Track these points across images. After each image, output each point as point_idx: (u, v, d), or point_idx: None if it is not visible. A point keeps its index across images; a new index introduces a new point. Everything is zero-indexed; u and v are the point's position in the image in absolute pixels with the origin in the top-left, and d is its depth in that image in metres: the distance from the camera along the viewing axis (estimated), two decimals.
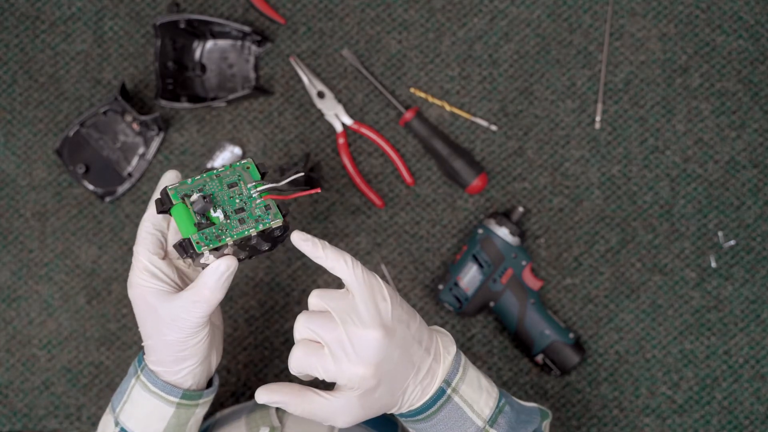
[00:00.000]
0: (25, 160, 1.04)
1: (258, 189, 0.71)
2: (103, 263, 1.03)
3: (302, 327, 0.67)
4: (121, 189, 1.03)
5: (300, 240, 0.69)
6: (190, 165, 1.04)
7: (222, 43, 1.04)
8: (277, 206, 0.71)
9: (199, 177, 0.70)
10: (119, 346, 1.03)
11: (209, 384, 0.80)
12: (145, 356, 0.76)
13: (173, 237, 0.75)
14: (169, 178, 0.74)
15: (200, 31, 1.02)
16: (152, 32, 1.04)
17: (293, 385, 0.69)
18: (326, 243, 0.69)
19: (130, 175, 1.03)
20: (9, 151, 1.04)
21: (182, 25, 0.99)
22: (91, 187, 1.03)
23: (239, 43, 1.04)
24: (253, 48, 1.04)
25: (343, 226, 1.04)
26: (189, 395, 0.76)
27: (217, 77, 1.05)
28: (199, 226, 0.68)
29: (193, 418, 0.78)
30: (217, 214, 0.69)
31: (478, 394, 0.70)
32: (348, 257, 0.68)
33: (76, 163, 1.02)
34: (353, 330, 0.66)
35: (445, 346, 0.70)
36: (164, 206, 0.69)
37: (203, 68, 1.04)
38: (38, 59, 1.05)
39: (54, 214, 1.04)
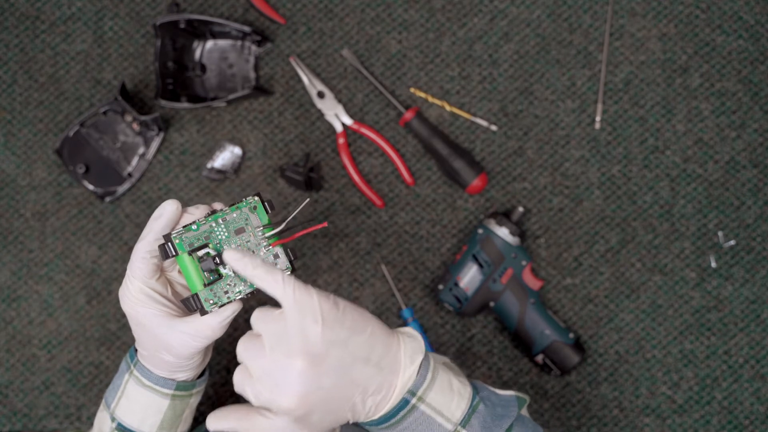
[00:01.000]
0: (25, 160, 1.04)
1: (267, 235, 0.69)
2: (103, 263, 1.03)
3: (240, 351, 0.65)
4: (121, 189, 1.03)
5: (233, 260, 0.66)
6: (190, 165, 1.04)
7: (222, 43, 1.04)
8: (286, 254, 0.70)
9: (204, 222, 0.68)
10: (119, 346, 1.03)
11: (202, 373, 0.81)
12: (139, 357, 0.76)
13: (171, 263, 0.74)
14: (170, 212, 0.70)
15: (200, 31, 1.02)
16: (152, 32, 1.04)
17: (238, 408, 0.67)
18: (258, 262, 0.65)
19: (130, 175, 1.03)
20: (9, 151, 1.04)
21: (182, 25, 0.99)
22: (91, 187, 1.03)
23: (239, 43, 1.04)
24: (253, 48, 1.04)
25: (343, 226, 1.04)
26: (183, 386, 0.77)
27: (217, 77, 1.05)
28: (207, 281, 0.68)
29: (188, 409, 0.79)
30: (226, 270, 0.68)
31: (448, 398, 0.67)
32: (280, 275, 0.64)
33: (76, 163, 1.02)
34: (279, 359, 0.63)
35: (409, 354, 0.67)
36: (169, 254, 0.68)
37: (203, 68, 1.04)
38: (38, 59, 1.05)
39: (54, 214, 1.04)
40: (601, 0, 1.05)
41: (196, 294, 0.68)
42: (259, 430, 0.65)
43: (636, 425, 1.03)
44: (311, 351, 0.63)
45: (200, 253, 0.68)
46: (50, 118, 1.05)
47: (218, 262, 0.67)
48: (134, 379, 0.76)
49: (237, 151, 1.04)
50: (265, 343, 0.64)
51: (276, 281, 0.64)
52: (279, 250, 0.70)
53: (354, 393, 0.65)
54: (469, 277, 0.99)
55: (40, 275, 1.03)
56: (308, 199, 0.72)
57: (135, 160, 1.03)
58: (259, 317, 0.65)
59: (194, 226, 0.68)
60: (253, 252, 0.69)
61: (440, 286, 1.00)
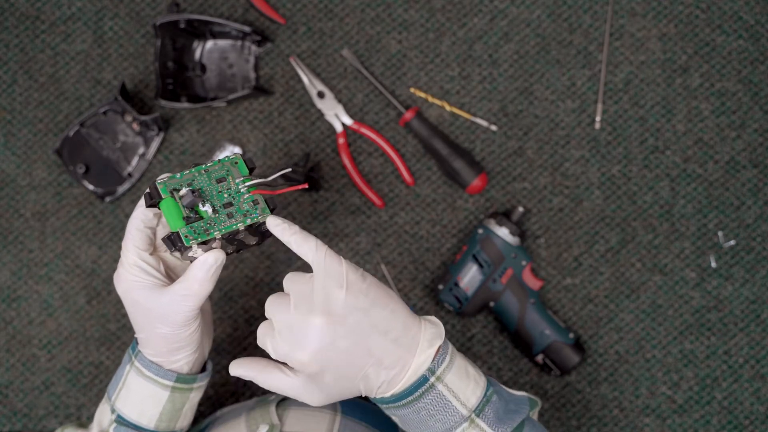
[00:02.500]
0: (25, 160, 1.04)
1: (246, 184, 0.72)
2: (103, 263, 1.03)
3: (267, 307, 0.70)
4: (121, 189, 1.03)
5: (273, 225, 0.70)
6: (190, 165, 1.04)
7: (222, 43, 1.04)
8: (265, 201, 0.72)
9: (188, 172, 0.72)
10: (119, 346, 1.03)
11: (203, 369, 0.81)
12: (139, 346, 0.77)
13: (162, 233, 0.76)
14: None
15: (200, 31, 1.02)
16: (152, 32, 1.04)
17: (261, 360, 0.71)
18: (297, 228, 0.70)
19: (130, 175, 1.03)
20: (9, 151, 1.04)
21: (182, 25, 0.99)
22: (91, 187, 1.03)
23: (239, 43, 1.04)
24: (253, 48, 1.04)
25: (343, 226, 1.04)
26: (183, 379, 0.77)
27: (217, 77, 1.05)
28: (187, 220, 0.69)
29: (188, 403, 0.79)
30: (206, 209, 0.71)
31: (464, 383, 0.69)
32: (314, 242, 0.69)
33: (76, 163, 1.02)
34: (300, 315, 0.67)
35: (428, 339, 0.69)
36: (153, 200, 0.70)
37: (203, 68, 1.04)
38: (38, 59, 1.05)
39: (54, 214, 1.04)
40: (601, 0, 1.05)
41: (176, 231, 0.69)
42: (276, 384, 0.70)
43: (636, 425, 1.03)
44: (331, 311, 0.67)
45: (181, 192, 0.70)
46: (50, 118, 1.05)
47: (198, 196, 0.70)
48: (135, 370, 0.77)
49: (237, 151, 1.04)
50: (291, 301, 0.68)
51: (310, 247, 0.68)
52: (259, 197, 0.72)
53: (368, 362, 0.67)
54: (469, 277, 0.99)
55: (40, 275, 1.03)
56: (289, 169, 0.76)
57: (135, 160, 1.03)
58: (289, 278, 0.70)
59: (178, 175, 0.71)
60: (234, 198, 0.71)
61: (440, 286, 1.00)
